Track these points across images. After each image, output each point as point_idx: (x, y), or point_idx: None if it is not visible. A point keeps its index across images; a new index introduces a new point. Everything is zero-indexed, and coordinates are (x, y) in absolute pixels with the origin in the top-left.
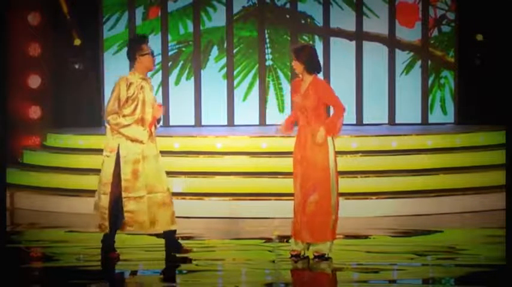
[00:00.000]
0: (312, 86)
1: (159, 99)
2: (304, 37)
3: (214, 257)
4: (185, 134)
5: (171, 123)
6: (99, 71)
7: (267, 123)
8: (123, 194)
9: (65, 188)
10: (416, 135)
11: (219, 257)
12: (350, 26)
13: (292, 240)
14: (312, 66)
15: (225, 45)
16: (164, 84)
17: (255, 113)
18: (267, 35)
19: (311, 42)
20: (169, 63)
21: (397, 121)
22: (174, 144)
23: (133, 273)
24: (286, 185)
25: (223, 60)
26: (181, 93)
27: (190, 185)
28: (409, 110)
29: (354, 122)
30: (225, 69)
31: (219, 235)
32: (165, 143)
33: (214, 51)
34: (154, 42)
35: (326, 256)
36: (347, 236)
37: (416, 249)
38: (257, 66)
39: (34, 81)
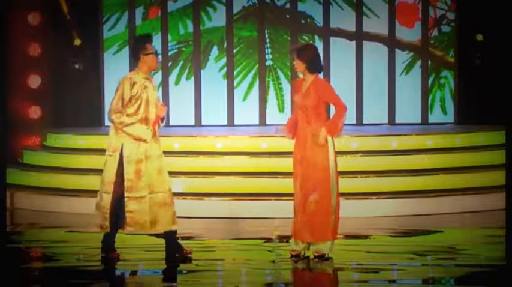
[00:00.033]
0: (312, 85)
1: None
2: (304, 37)
3: (214, 257)
4: (185, 134)
5: (171, 123)
6: (99, 71)
7: (267, 123)
8: (125, 194)
9: (65, 188)
10: (416, 135)
11: (219, 257)
12: (350, 26)
13: (292, 240)
14: (314, 65)
15: (225, 45)
16: (164, 84)
17: (255, 113)
18: (267, 35)
19: (311, 42)
20: (169, 63)
21: (397, 121)
22: (174, 144)
23: (133, 273)
24: (286, 185)
25: (223, 60)
26: (181, 93)
27: (190, 185)
28: (409, 110)
29: (354, 122)
30: (225, 69)
31: (219, 235)
32: (165, 143)
33: (214, 51)
34: (155, 42)
35: (326, 256)
36: (347, 236)
37: (416, 249)
38: (257, 66)
39: (34, 81)
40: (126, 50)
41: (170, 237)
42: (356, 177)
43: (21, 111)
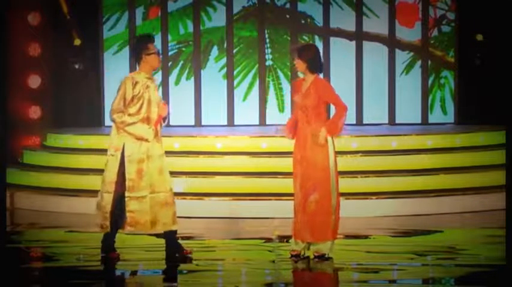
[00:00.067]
0: (313, 85)
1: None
2: (304, 37)
3: (214, 257)
4: (185, 134)
5: (171, 123)
6: (99, 71)
7: (267, 123)
8: (126, 194)
9: (65, 188)
10: (416, 135)
11: (219, 257)
12: (350, 26)
13: (292, 240)
14: (315, 65)
15: (225, 45)
16: (164, 84)
17: (255, 113)
18: (267, 35)
19: (311, 42)
20: (169, 63)
21: (397, 121)
22: (174, 144)
23: (134, 273)
24: (286, 185)
25: (223, 60)
26: (181, 93)
27: (191, 185)
28: (409, 110)
29: (354, 122)
30: (225, 69)
31: (219, 235)
32: (165, 143)
33: (214, 51)
34: (155, 42)
35: (326, 255)
36: (347, 236)
37: (416, 249)
38: (257, 66)
39: (34, 81)
40: (126, 50)
41: (170, 237)
42: (356, 177)
43: (21, 111)
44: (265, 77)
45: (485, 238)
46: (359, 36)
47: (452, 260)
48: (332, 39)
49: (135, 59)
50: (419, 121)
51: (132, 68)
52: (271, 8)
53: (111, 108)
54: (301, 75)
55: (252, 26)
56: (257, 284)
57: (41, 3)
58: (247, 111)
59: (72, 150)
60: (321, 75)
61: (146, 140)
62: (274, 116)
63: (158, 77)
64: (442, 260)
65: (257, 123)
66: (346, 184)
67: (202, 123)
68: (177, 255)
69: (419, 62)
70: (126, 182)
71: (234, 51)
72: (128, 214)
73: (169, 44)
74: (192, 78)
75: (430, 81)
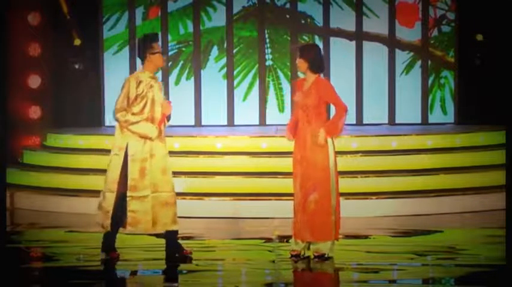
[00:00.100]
0: (314, 84)
1: None
2: (304, 37)
3: (214, 257)
4: (185, 134)
5: (171, 123)
6: (99, 71)
7: (267, 123)
8: (128, 193)
9: (65, 188)
10: (416, 135)
11: (219, 257)
12: (350, 26)
13: (292, 240)
14: (316, 65)
15: (225, 45)
16: (164, 84)
17: (255, 113)
18: (267, 35)
19: (312, 42)
20: (169, 63)
21: (397, 121)
22: (174, 144)
23: (133, 273)
24: (286, 185)
25: (223, 60)
26: (181, 93)
27: (191, 185)
28: (409, 110)
29: (354, 122)
30: (225, 69)
31: (219, 235)
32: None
33: (214, 51)
34: None
35: (326, 255)
36: (347, 236)
37: (416, 249)
38: (257, 66)
39: (34, 81)
40: (126, 50)
41: (171, 237)
42: (356, 177)
43: (21, 111)
44: (265, 77)
45: (485, 238)
46: (359, 36)
47: (452, 260)
48: (332, 39)
49: (140, 58)
50: (419, 121)
51: (132, 68)
52: (271, 8)
53: (114, 107)
54: (301, 76)
55: (252, 26)
56: (257, 284)
57: (41, 3)
58: (247, 111)
59: (72, 150)
60: (322, 76)
61: (150, 139)
62: (274, 116)
63: (158, 77)
64: (442, 260)
65: (257, 123)
66: (346, 184)
67: (202, 123)
68: (177, 255)
69: (419, 62)
70: (128, 182)
71: (234, 51)
72: (128, 214)
73: (169, 44)
74: (192, 78)
75: (430, 81)
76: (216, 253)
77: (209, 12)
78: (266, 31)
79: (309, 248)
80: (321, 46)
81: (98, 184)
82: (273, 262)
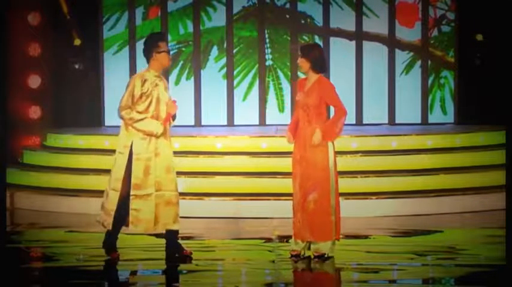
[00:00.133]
0: (316, 84)
1: None
2: (304, 37)
3: (214, 257)
4: (185, 134)
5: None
6: (99, 71)
7: (267, 123)
8: (132, 192)
9: (65, 188)
10: (416, 135)
11: (219, 257)
12: (350, 26)
13: (292, 240)
14: (319, 65)
15: (225, 45)
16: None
17: (255, 113)
18: (267, 35)
19: (314, 42)
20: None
21: (397, 121)
22: (174, 144)
23: (133, 273)
24: (286, 185)
25: (223, 60)
26: (181, 93)
27: (190, 185)
28: (409, 110)
29: (354, 122)
30: (225, 69)
31: (219, 235)
32: None
33: (214, 51)
34: None
35: (326, 255)
36: (347, 236)
37: (416, 249)
38: (257, 66)
39: (34, 81)
40: (126, 50)
41: (171, 237)
42: (356, 177)
43: (21, 111)
44: (265, 77)
45: (485, 238)
46: (359, 36)
47: (452, 260)
48: (332, 39)
49: (146, 56)
50: (419, 121)
51: (132, 68)
52: (271, 8)
53: (119, 105)
54: (302, 76)
55: (252, 26)
56: (257, 284)
57: (41, 3)
58: (247, 111)
59: (72, 150)
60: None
61: (155, 135)
62: (274, 116)
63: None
64: (442, 260)
65: (257, 123)
66: (346, 184)
67: (202, 123)
68: (177, 255)
69: (419, 62)
70: (132, 180)
71: (234, 51)
72: (131, 212)
73: (169, 44)
74: (192, 78)
75: (430, 81)
76: (216, 253)
77: (209, 12)
78: (266, 31)
79: (309, 248)
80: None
81: (98, 184)
82: (273, 262)
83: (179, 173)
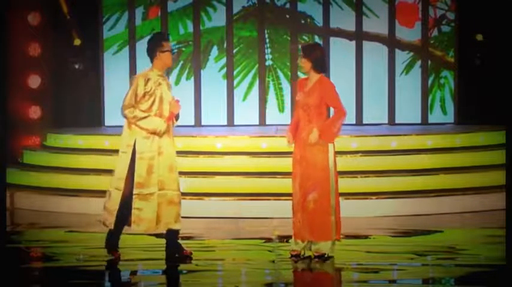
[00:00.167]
0: (317, 84)
1: None
2: (304, 37)
3: (214, 257)
4: (185, 134)
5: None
6: (99, 71)
7: (267, 123)
8: (135, 191)
9: (65, 188)
10: (416, 135)
11: (219, 257)
12: (350, 26)
13: (292, 240)
14: (320, 65)
15: (225, 45)
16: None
17: (255, 113)
18: (267, 35)
19: (315, 42)
20: None
21: (397, 121)
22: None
23: (133, 273)
24: (286, 185)
25: (223, 60)
26: (181, 93)
27: (190, 185)
28: (409, 110)
29: (354, 122)
30: (225, 69)
31: (219, 235)
32: None
33: (214, 51)
34: None
35: (326, 255)
36: (347, 236)
37: (416, 249)
38: (257, 66)
39: (34, 81)
40: (126, 50)
41: (171, 237)
42: (356, 177)
43: (21, 111)
44: (265, 77)
45: (485, 238)
46: (359, 36)
47: (452, 260)
48: (332, 39)
49: (149, 56)
50: (419, 121)
51: (132, 68)
52: (271, 8)
53: (122, 104)
54: (302, 76)
55: (252, 26)
56: (257, 284)
57: (41, 3)
58: (247, 111)
59: (72, 150)
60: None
61: (159, 133)
62: (274, 116)
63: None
64: (442, 260)
65: (257, 123)
66: (346, 184)
67: (202, 123)
68: (177, 255)
69: (419, 62)
70: (135, 179)
71: (234, 51)
72: (133, 211)
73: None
74: (192, 78)
75: (430, 81)
76: (216, 253)
77: (209, 12)
78: (266, 31)
79: (310, 249)
80: None
81: (98, 184)
82: (273, 262)
83: (179, 173)
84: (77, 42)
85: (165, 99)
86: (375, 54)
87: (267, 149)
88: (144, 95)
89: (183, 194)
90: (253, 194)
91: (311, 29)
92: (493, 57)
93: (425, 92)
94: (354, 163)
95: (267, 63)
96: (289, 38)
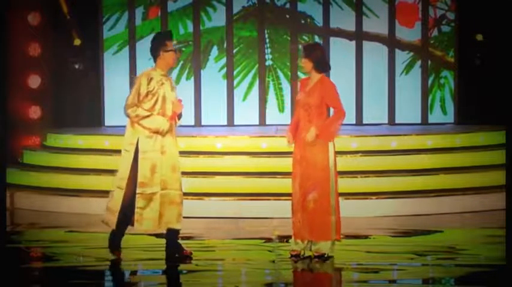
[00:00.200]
0: (318, 84)
1: None
2: (304, 37)
3: (214, 257)
4: (185, 134)
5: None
6: (99, 71)
7: (267, 123)
8: (138, 190)
9: (65, 188)
10: (416, 135)
11: (219, 257)
12: (350, 26)
13: (292, 240)
14: (322, 65)
15: (225, 45)
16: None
17: (255, 113)
18: (267, 35)
19: (315, 42)
20: None
21: (397, 121)
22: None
23: (133, 273)
24: (286, 185)
25: (223, 60)
26: (181, 93)
27: (190, 185)
28: (409, 110)
29: (354, 122)
30: (225, 69)
31: (219, 235)
32: None
33: (214, 51)
34: None
35: (326, 255)
36: (347, 236)
37: (416, 249)
38: (257, 66)
39: (34, 81)
40: (126, 50)
41: (172, 237)
42: (356, 177)
43: (21, 111)
44: (265, 77)
45: (485, 238)
46: (359, 36)
47: (452, 260)
48: (332, 39)
49: (152, 55)
50: (419, 121)
51: (132, 68)
52: (271, 8)
53: (125, 103)
54: (301, 76)
55: (252, 26)
56: (257, 284)
57: (41, 3)
58: (247, 111)
59: (72, 150)
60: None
61: (162, 132)
62: (274, 116)
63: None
64: (442, 260)
65: (257, 123)
66: (346, 184)
67: (202, 123)
68: (177, 255)
69: (419, 62)
70: (139, 178)
71: (234, 51)
72: (136, 210)
73: None
74: (192, 78)
75: (430, 81)
76: (216, 253)
77: (209, 12)
78: (266, 31)
79: (310, 249)
80: None
81: (98, 184)
82: (273, 262)
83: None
84: (77, 42)
85: (167, 99)
86: (375, 54)
87: (267, 149)
88: (146, 95)
89: (183, 194)
90: (253, 194)
91: (311, 29)
92: (493, 57)
93: (425, 92)
94: (354, 163)
95: (267, 63)
96: (289, 38)
